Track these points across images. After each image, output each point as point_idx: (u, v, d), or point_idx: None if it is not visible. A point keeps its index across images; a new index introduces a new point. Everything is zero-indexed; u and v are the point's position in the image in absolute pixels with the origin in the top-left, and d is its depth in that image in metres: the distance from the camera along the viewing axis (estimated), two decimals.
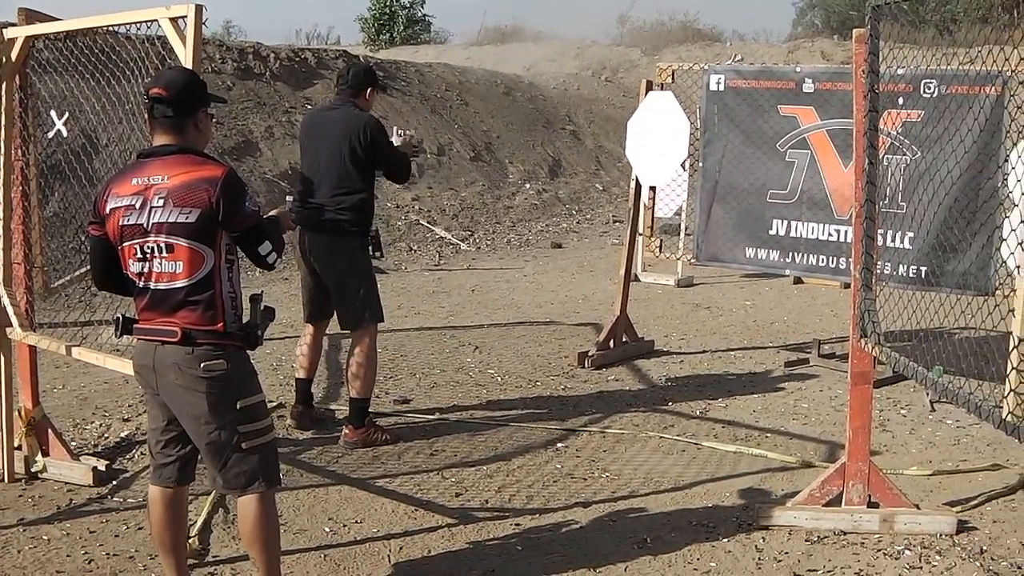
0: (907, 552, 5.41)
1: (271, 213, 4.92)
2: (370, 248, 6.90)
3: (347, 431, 6.99)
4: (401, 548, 5.44)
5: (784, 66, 9.38)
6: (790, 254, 8.84)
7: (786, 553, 5.44)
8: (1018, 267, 4.00)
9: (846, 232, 8.41)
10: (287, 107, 18.04)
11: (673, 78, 9.54)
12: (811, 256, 8.75)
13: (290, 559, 5.14)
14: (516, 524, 5.79)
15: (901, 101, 8.00)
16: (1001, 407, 4.12)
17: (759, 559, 5.37)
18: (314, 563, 5.25)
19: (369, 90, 7.07)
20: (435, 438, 7.16)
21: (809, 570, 5.25)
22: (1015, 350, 4.00)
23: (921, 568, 5.23)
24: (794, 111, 8.75)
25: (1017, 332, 4.02)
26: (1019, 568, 5.31)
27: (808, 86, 8.71)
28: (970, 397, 4.38)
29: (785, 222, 8.83)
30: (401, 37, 41.11)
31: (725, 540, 5.61)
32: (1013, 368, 4.01)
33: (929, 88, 8.04)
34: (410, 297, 12.46)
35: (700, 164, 9.39)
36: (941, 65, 6.98)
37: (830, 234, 8.59)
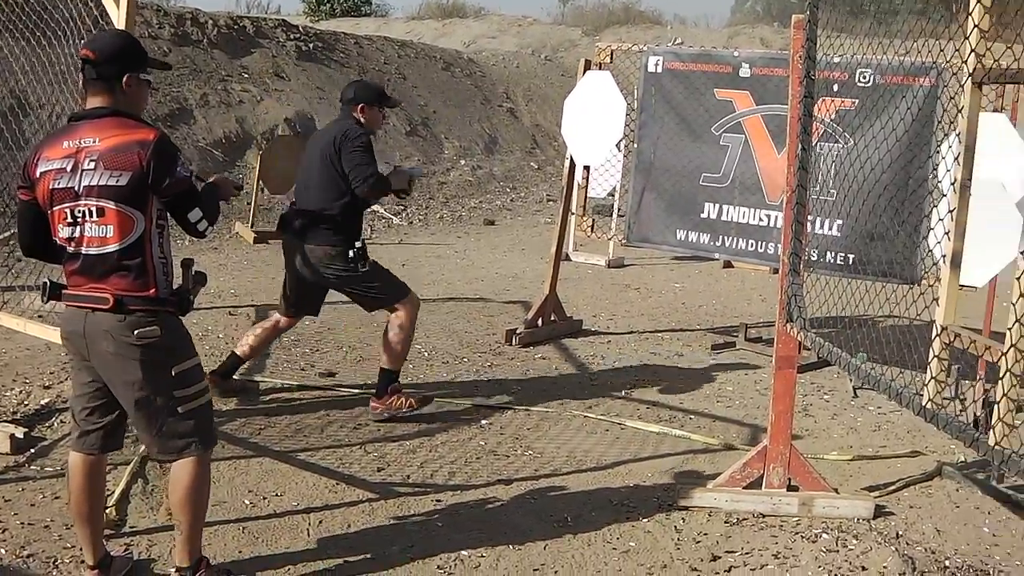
0: (824, 535, 5.45)
1: (210, 179, 4.85)
2: (351, 258, 6.83)
3: (373, 402, 7.06)
4: (321, 522, 5.40)
5: (722, 50, 9.37)
6: (720, 238, 8.88)
7: (705, 534, 5.46)
8: (943, 256, 4.03)
9: (776, 217, 8.46)
10: (223, 75, 17.85)
11: (612, 59, 9.52)
12: (741, 240, 8.79)
13: (208, 531, 5.05)
14: (437, 500, 5.77)
15: (836, 88, 8.04)
16: (921, 394, 4.15)
17: (678, 539, 5.40)
18: (232, 535, 5.19)
19: (361, 106, 6.98)
20: (359, 412, 7.10)
21: (727, 551, 5.27)
22: (937, 339, 4.03)
23: (837, 551, 5.26)
24: (730, 95, 8.77)
25: (940, 321, 4.04)
26: (933, 553, 5.37)
27: (745, 71, 8.72)
28: (892, 384, 4.41)
29: (717, 206, 8.86)
30: (342, 9, 40.84)
31: (645, 520, 5.62)
32: (935, 356, 4.04)
33: (864, 77, 8.09)
34: None
35: (635, 145, 9.38)
36: (877, 54, 7.03)
37: (761, 219, 8.63)
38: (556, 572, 5.02)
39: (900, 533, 5.61)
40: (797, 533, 5.49)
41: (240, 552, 5.00)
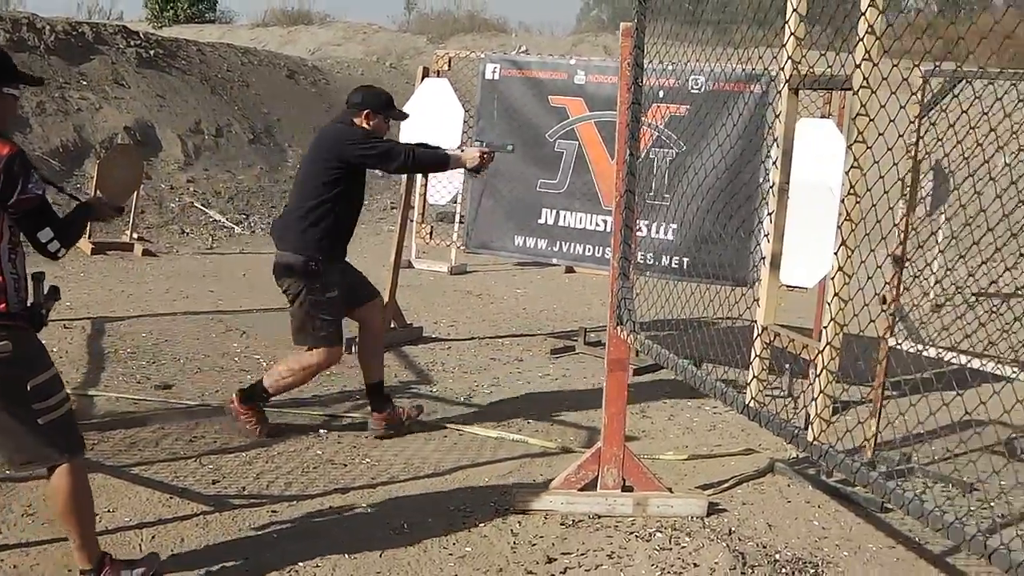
0: (658, 534, 5.54)
1: (86, 200, 4.76)
2: (310, 271, 6.68)
3: (373, 417, 7.10)
4: (153, 537, 5.29)
5: (558, 58, 9.48)
6: (558, 243, 8.96)
7: (541, 537, 5.50)
8: (763, 259, 4.13)
9: (612, 222, 8.55)
10: (61, 82, 17.40)
11: (450, 65, 9.55)
12: (578, 245, 8.89)
13: (35, 550, 4.96)
14: (273, 511, 5.70)
15: (661, 95, 8.17)
16: (745, 393, 4.24)
17: (514, 543, 5.42)
18: (61, 554, 5.05)
19: (367, 112, 6.85)
20: (196, 425, 6.99)
21: (563, 553, 5.31)
22: (758, 338, 4.12)
23: (671, 549, 5.36)
24: (564, 102, 8.87)
25: (761, 321, 4.14)
26: (764, 547, 5.50)
27: (580, 78, 8.83)
28: (716, 384, 4.50)
29: (554, 211, 8.95)
30: (186, 16, 40.12)
31: (482, 525, 5.63)
32: (756, 356, 4.13)
33: (697, 84, 8.24)
34: (180, 281, 12.15)
35: None
36: (710, 62, 7.16)
37: (597, 224, 8.73)
38: None
39: (733, 529, 5.73)
40: (632, 533, 5.57)
41: (69, 572, 4.88)
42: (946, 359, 6.42)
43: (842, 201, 3.57)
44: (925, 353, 6.52)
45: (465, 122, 9.35)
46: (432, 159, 6.97)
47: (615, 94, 7.70)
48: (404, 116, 7.39)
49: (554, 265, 11.88)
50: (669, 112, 8.31)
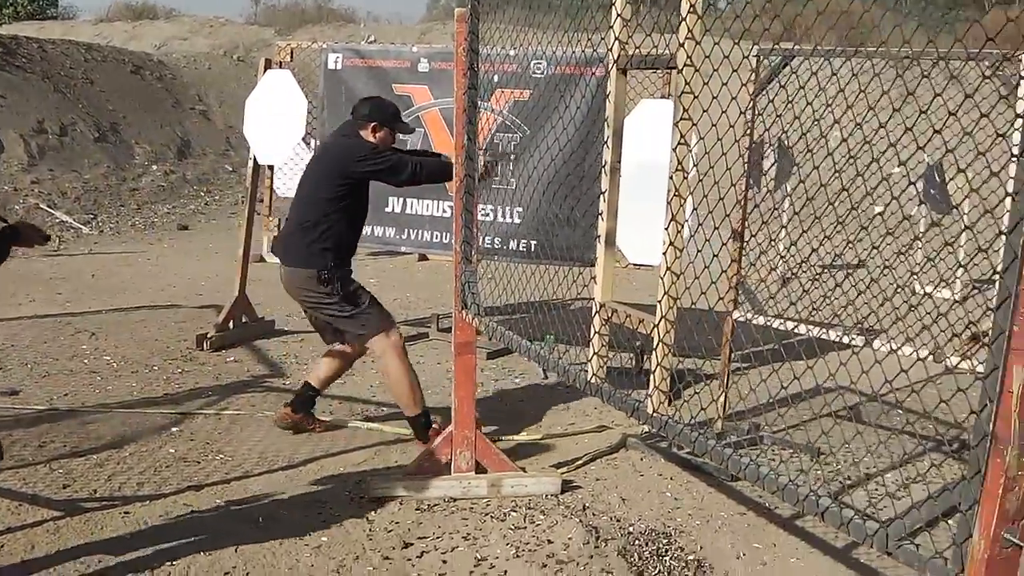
0: (513, 513, 5.61)
1: (13, 224, 4.64)
2: (324, 279, 6.58)
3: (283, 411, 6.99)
4: (2, 546, 5.19)
5: (400, 46, 9.47)
6: (406, 231, 8.97)
7: (397, 522, 5.52)
8: (597, 237, 4.20)
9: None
10: None
11: (292, 57, 9.49)
12: (427, 232, 8.91)
13: None
14: (126, 512, 5.61)
15: (497, 79, 8.22)
16: (586, 370, 4.31)
17: (370, 530, 5.43)
18: None
19: (374, 125, 6.67)
20: (45, 429, 6.85)
21: (419, 537, 5.34)
22: (596, 315, 4.19)
23: (525, 528, 5.43)
24: (408, 90, 8.87)
25: (599, 298, 4.21)
26: (618, 521, 5.61)
27: (423, 66, 8.83)
28: (559, 362, 4.57)
29: (401, 199, 8.94)
30: (26, 12, 39.10)
31: (338, 514, 5.63)
32: (595, 332, 4.20)
33: (539, 68, 8.31)
34: (26, 284, 11.86)
35: (318, 143, 9.36)
36: (552, 46, 7.23)
37: (445, 211, 8.74)
38: (248, 573, 4.98)
39: (587, 505, 5.82)
40: (487, 514, 5.63)
41: None
42: (791, 330, 6.58)
43: (671, 177, 3.65)
44: (770, 325, 6.67)
45: (310, 112, 9.28)
46: (439, 168, 6.80)
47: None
48: (411, 129, 7.29)
49: (406, 253, 11.86)
50: (513, 97, 8.37)
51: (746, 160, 6.68)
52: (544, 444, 6.89)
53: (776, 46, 6.76)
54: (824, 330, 6.42)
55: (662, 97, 7.86)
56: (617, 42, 4.04)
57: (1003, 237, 2.42)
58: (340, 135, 6.90)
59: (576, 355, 7.86)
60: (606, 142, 4.10)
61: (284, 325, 10.02)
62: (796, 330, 6.54)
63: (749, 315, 6.89)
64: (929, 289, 6.28)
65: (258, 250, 12.73)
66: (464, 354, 5.78)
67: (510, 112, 8.38)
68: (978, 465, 2.43)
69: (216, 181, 21.50)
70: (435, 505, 5.74)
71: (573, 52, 7.66)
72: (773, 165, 13.47)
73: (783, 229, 11.82)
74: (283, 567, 5.04)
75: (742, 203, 6.63)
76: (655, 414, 3.81)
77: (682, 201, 3.64)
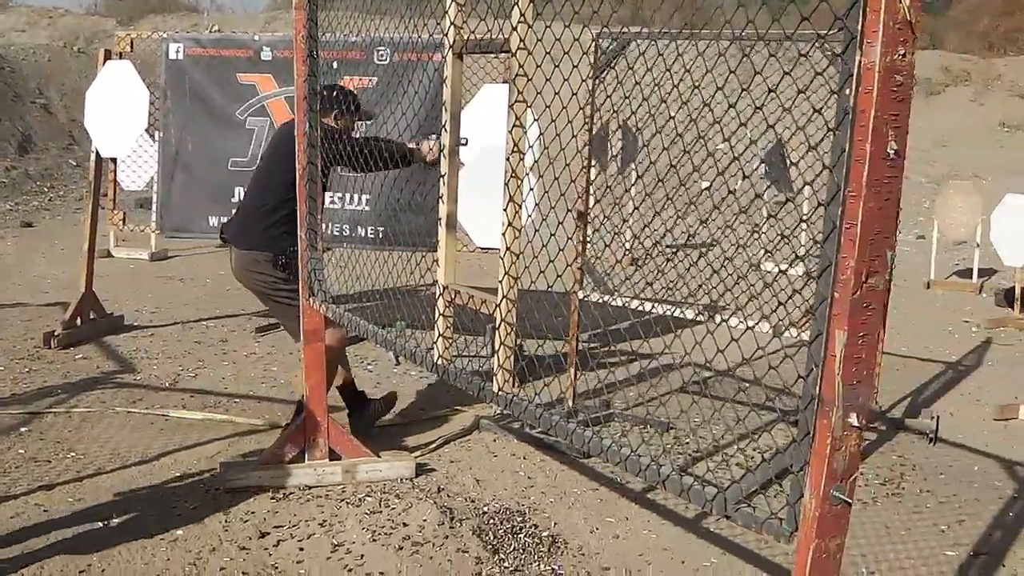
0: (368, 498, 5.65)
1: None
2: (281, 264, 6.32)
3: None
4: None
5: (243, 34, 9.40)
6: None
7: (252, 512, 5.51)
8: (440, 219, 4.25)
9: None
10: None
11: (132, 47, 9.36)
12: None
13: None
14: None
15: (336, 66, 8.23)
16: (433, 352, 4.36)
17: (226, 521, 5.41)
18: None
19: (335, 114, 6.43)
20: None
21: (275, 526, 5.34)
22: (440, 298, 4.25)
23: (381, 512, 5.47)
24: (253, 79, 8.82)
25: (441, 281, 4.26)
26: (472, 502, 5.69)
27: (266, 54, 8.79)
28: (406, 345, 4.62)
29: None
30: None
31: (193, 507, 5.60)
32: (440, 315, 4.26)
33: (381, 55, 8.33)
34: None
35: (161, 134, 9.27)
36: (394, 33, 7.25)
37: None
38: (103, 571, 4.93)
39: (441, 487, 5.89)
40: (343, 500, 5.66)
41: None
42: (636, 308, 6.71)
43: (507, 159, 3.72)
44: (623, 304, 6.80)
45: (152, 104, 9.18)
46: (400, 154, 6.55)
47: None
48: (371, 117, 7.08)
49: None
50: (360, 85, 8.37)
51: (587, 142, 6.81)
52: (398, 429, 6.93)
53: (606, 28, 6.91)
54: (671, 308, 6.56)
55: (504, 82, 7.93)
56: (452, 27, 4.09)
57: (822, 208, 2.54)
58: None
59: (425, 339, 7.91)
60: (444, 126, 4.15)
61: (134, 320, 9.91)
62: (641, 308, 6.68)
63: (594, 295, 7.00)
64: (784, 267, 6.46)
65: (105, 245, 12.59)
66: (313, 341, 5.80)
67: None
68: (807, 427, 2.55)
69: (60, 176, 21.05)
70: (291, 494, 5.75)
71: (413, 38, 7.70)
72: (620, 148, 13.72)
73: (636, 211, 12.04)
74: (139, 563, 5.00)
75: (583, 185, 6.74)
76: (500, 393, 3.88)
77: (519, 182, 3.71)
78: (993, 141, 24.76)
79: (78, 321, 9.17)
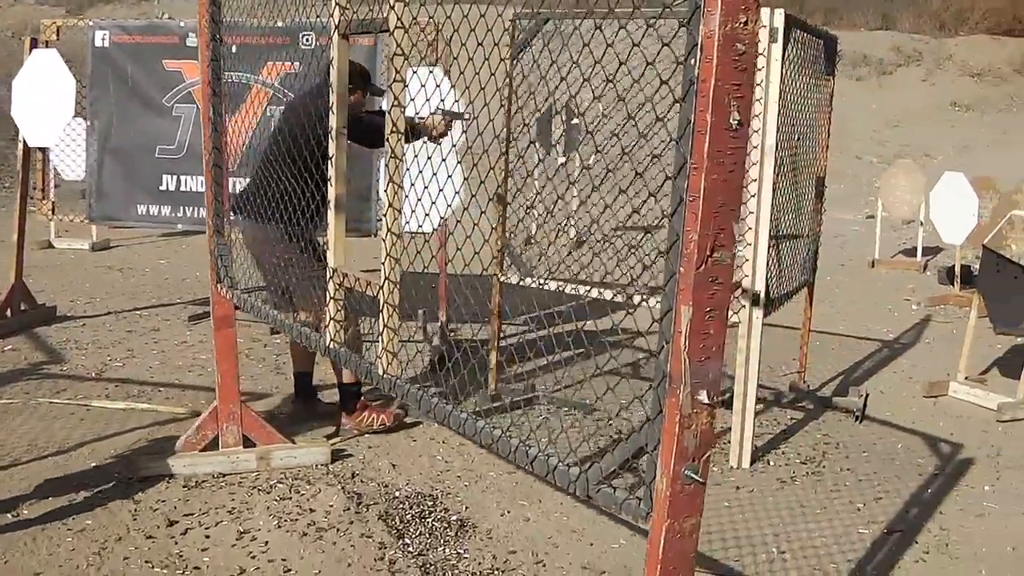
0: (280, 485, 5.61)
1: None
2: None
3: (344, 418, 6.62)
4: None
5: (168, 20, 9.34)
6: (181, 208, 8.85)
7: (163, 501, 5.46)
8: (329, 201, 4.21)
9: (233, 183, 8.50)
10: None
11: (59, 35, 9.26)
12: (202, 209, 8.78)
13: None
14: None
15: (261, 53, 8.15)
16: (325, 336, 4.33)
17: (135, 510, 5.36)
18: None
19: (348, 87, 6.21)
20: None
21: (185, 515, 5.29)
22: (331, 281, 4.21)
23: (290, 498, 5.43)
24: (179, 66, 8.74)
25: (332, 263, 4.23)
26: (386, 487, 5.67)
27: (192, 40, 8.69)
28: (300, 329, 4.59)
29: (175, 177, 8.82)
30: None
31: (104, 496, 5.54)
32: (331, 298, 4.22)
33: (307, 40, 8.26)
34: None
35: (88, 123, 9.17)
36: (321, 17, 7.17)
37: None
38: (6, 562, 4.88)
39: (356, 472, 5.87)
40: (255, 487, 5.62)
41: None
42: (555, 290, 6.69)
43: (387, 140, 3.68)
44: (535, 286, 6.78)
45: (79, 92, 9.08)
46: (410, 127, 6.32)
47: (228, 54, 7.68)
48: (382, 92, 6.88)
49: (201, 232, 11.72)
50: (284, 70, 8.31)
51: (506, 124, 6.77)
52: (314, 415, 6.90)
53: (519, 8, 6.89)
54: (589, 289, 6.54)
55: (430, 65, 7.88)
56: (337, 7, 4.04)
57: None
58: (311, 96, 6.48)
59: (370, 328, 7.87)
60: (331, 108, 4.11)
61: (67, 311, 9.81)
62: (561, 290, 6.66)
63: (513, 278, 6.98)
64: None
65: (46, 235, 12.48)
66: (223, 328, 5.76)
67: (281, 84, 8.32)
68: (659, 405, 2.52)
69: (6, 167, 20.79)
70: (204, 481, 5.70)
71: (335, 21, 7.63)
72: (562, 132, 13.65)
73: (579, 194, 11.97)
74: (43, 552, 4.95)
75: (504, 168, 6.72)
76: (385, 376, 3.85)
77: (398, 162, 3.68)
78: (944, 121, 24.86)
79: (8, 312, 9.06)
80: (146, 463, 5.82)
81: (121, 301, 10.35)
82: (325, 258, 5.02)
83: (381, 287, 3.75)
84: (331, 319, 4.21)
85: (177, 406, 7.01)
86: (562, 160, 12.71)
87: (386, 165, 3.71)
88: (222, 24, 5.43)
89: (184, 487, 5.63)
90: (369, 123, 6.09)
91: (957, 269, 12.25)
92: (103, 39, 8.90)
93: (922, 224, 13.95)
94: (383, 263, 3.75)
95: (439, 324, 8.61)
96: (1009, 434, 7.24)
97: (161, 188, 8.83)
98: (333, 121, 4.09)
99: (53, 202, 9.91)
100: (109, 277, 11.67)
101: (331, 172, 4.12)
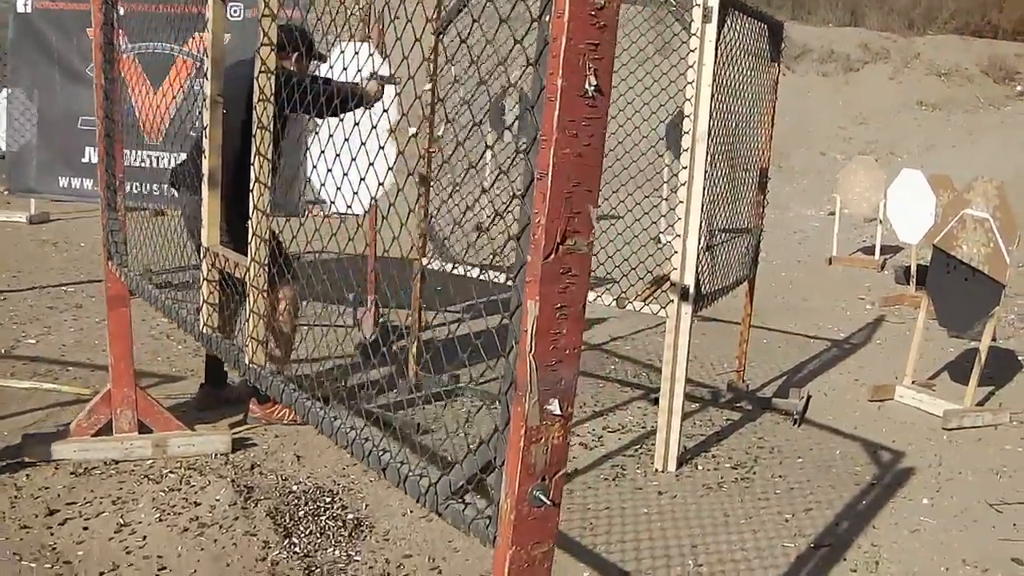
0: (171, 475, 5.31)
1: None
2: None
3: (252, 406, 6.25)
4: None
5: None
6: None
7: (47, 488, 5.15)
8: (203, 175, 3.91)
9: (158, 158, 8.21)
10: None
11: None
12: (126, 183, 8.48)
13: None
14: None
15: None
16: (199, 319, 4.02)
17: (15, 497, 5.04)
18: None
19: (297, 55, 5.92)
20: None
21: (68, 503, 4.98)
22: (203, 261, 3.90)
23: (179, 490, 5.13)
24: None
25: (204, 242, 3.92)
26: (284, 480, 5.38)
27: (119, 8, 8.35)
28: (180, 312, 4.28)
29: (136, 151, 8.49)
30: None
31: None
32: (204, 279, 3.90)
33: (235, 11, 7.94)
34: None
35: (8, 91, 8.84)
36: None
37: (143, 160, 8.33)
38: None
39: (257, 463, 5.58)
40: (146, 476, 5.32)
41: None
42: (478, 277, 6.41)
43: (253, 136, 3.38)
44: (455, 272, 6.49)
45: (0, 59, 8.74)
46: (354, 95, 5.90)
47: (155, 24, 7.37)
48: (325, 58, 6.53)
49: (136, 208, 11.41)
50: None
51: (431, 103, 6.48)
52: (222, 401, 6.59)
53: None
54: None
55: (363, 42, 7.56)
56: None
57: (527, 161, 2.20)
58: (247, 65, 6.11)
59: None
60: (206, 74, 3.80)
61: None
62: (484, 277, 6.38)
63: (436, 262, 6.68)
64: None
65: None
66: (117, 307, 5.44)
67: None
68: (507, 415, 2.20)
69: None
70: (94, 468, 5.39)
71: None
72: (515, 114, 13.38)
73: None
74: None
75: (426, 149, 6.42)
76: (252, 365, 3.55)
77: (264, 134, 3.37)
78: (911, 119, 24.63)
79: None
80: (34, 447, 5.48)
81: (49, 276, 10.01)
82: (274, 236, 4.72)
83: (247, 269, 3.44)
84: (204, 302, 3.90)
85: (84, 387, 6.68)
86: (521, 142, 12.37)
87: (253, 136, 3.40)
88: None
89: (72, 474, 5.32)
90: (317, 92, 5.74)
91: (913, 269, 12.01)
92: (26, 5, 8.55)
93: (880, 221, 13.72)
94: (248, 244, 3.44)
95: (366, 309, 8.30)
96: (953, 443, 6.96)
97: (83, 161, 8.50)
98: (208, 88, 3.77)
99: None
100: (42, 251, 11.33)
101: (205, 144, 3.80)
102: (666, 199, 12.15)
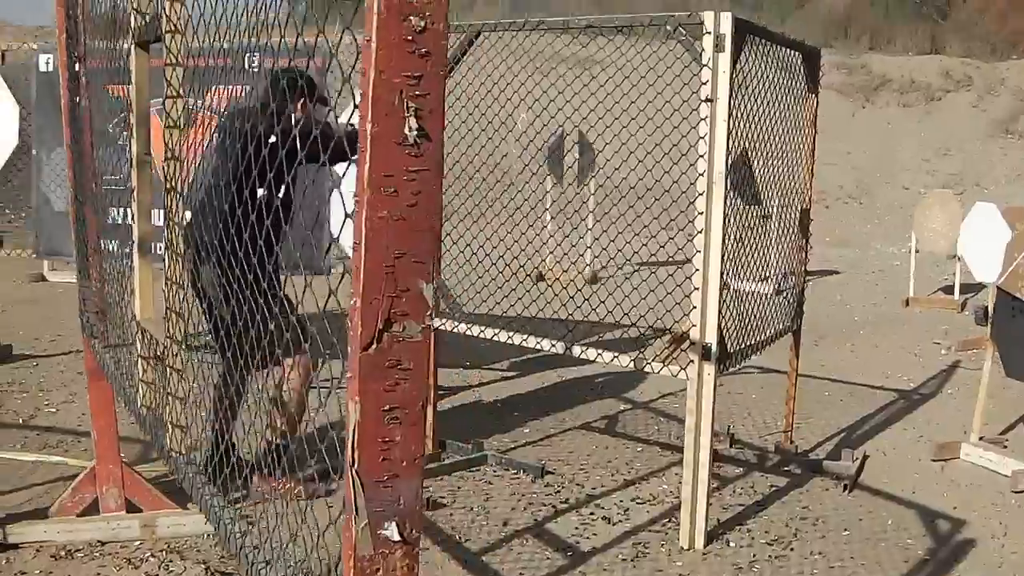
0: (151, 559, 5.02)
1: None
2: None
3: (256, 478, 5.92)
4: None
5: (110, 42, 8.83)
6: (130, 243, 8.33)
7: (23, 573, 4.86)
8: (133, 241, 3.63)
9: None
10: None
11: (3, 59, 8.80)
12: (157, 246, 8.26)
13: None
14: None
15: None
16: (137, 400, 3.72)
17: None
18: None
19: (303, 101, 5.84)
20: None
21: None
22: (137, 337, 3.60)
23: (158, 574, 4.81)
24: (124, 91, 8.23)
25: (138, 315, 3.61)
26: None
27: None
28: (128, 391, 3.98)
29: (123, 209, 8.26)
30: None
31: None
32: (140, 357, 3.60)
33: (253, 62, 7.71)
34: None
35: (34, 152, 8.69)
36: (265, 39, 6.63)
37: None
38: None
39: (245, 546, 5.23)
40: (127, 559, 5.03)
41: None
42: (492, 338, 6.06)
43: (163, 135, 3.07)
44: (469, 333, 6.15)
45: (23, 119, 8.60)
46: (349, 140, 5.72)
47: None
48: (327, 103, 6.39)
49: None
50: (232, 95, 7.77)
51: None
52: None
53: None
54: (525, 338, 5.90)
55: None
56: (134, 12, 3.44)
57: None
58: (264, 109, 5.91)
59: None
60: (130, 131, 3.52)
61: (29, 349, 9.29)
62: (497, 338, 6.02)
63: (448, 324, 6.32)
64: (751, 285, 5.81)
65: (39, 268, 12.03)
66: (97, 380, 5.15)
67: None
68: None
69: None
70: (78, 550, 5.08)
71: (286, 43, 7.07)
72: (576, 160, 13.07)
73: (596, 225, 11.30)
74: None
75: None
76: (171, 453, 3.21)
77: (176, 164, 3.06)
78: (996, 148, 23.88)
79: None
80: (19, 527, 5.20)
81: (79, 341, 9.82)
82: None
83: (167, 346, 3.11)
84: (140, 380, 3.58)
85: (89, 459, 6.39)
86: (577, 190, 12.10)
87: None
88: (78, 41, 4.85)
89: (53, 557, 5.03)
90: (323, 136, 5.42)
91: (991, 309, 11.39)
92: (48, 63, 8.40)
93: (959, 258, 13.09)
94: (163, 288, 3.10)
95: None
96: (1023, 508, 6.36)
97: (108, 221, 8.28)
98: (134, 147, 3.49)
99: (1, 237, 9.44)
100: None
101: (134, 208, 3.51)
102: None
